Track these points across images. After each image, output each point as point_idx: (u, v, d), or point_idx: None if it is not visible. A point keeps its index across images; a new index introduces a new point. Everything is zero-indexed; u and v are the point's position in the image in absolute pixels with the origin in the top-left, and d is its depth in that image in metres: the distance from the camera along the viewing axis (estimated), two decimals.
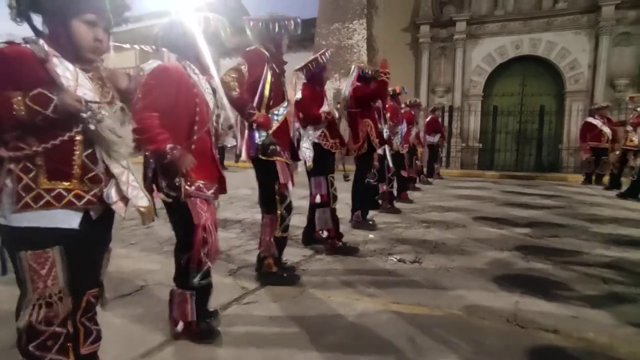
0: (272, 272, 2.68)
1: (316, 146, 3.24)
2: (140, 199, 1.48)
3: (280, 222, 2.63)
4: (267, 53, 2.57)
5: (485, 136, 11.91)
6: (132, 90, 1.50)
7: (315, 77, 3.27)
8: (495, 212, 5.37)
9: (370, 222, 4.38)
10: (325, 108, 3.24)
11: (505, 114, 11.51)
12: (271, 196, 2.62)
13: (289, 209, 2.67)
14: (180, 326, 1.92)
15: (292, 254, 3.15)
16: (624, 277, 2.89)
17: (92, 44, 1.33)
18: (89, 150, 1.33)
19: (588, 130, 8.40)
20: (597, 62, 10.43)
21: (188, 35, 1.86)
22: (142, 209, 1.47)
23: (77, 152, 1.30)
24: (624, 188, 6.95)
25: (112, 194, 1.38)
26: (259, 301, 2.42)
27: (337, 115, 3.22)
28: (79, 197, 1.31)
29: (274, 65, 2.60)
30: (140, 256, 3.26)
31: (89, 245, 1.42)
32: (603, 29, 10.23)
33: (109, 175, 1.38)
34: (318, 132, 3.27)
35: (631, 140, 7.08)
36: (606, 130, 8.13)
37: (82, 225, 1.35)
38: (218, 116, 2.00)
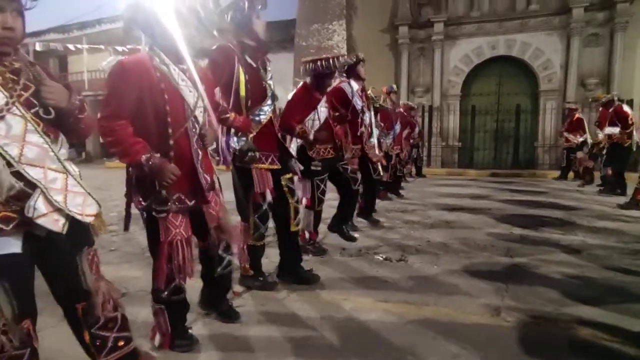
0: (248, 275, 2.62)
1: (301, 150, 3.09)
2: (88, 206, 1.27)
3: (253, 230, 2.49)
4: (235, 47, 2.29)
5: (465, 135, 12.18)
6: (75, 107, 1.26)
7: (318, 80, 3.00)
8: (477, 209, 5.47)
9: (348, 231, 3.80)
10: (313, 116, 3.04)
11: (483, 113, 11.80)
12: (245, 204, 2.46)
13: (263, 217, 2.49)
14: (157, 339, 1.85)
15: (278, 256, 3.11)
16: (602, 269, 2.98)
17: (1, 34, 1.13)
18: (3, 164, 1.11)
19: None
20: (568, 62, 10.82)
21: (158, 18, 1.61)
22: (89, 219, 1.27)
23: None
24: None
25: (39, 205, 1.14)
26: (245, 305, 2.37)
27: (311, 137, 2.94)
28: (7, 221, 1.12)
29: (250, 60, 2.33)
30: (121, 263, 3.16)
31: (52, 260, 1.25)
32: (574, 30, 10.61)
33: (34, 186, 1.15)
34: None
35: (597, 137, 7.58)
36: (564, 132, 8.80)
37: (29, 246, 1.17)
38: (204, 109, 1.79)
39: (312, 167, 3.09)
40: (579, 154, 8.61)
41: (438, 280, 2.75)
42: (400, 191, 6.66)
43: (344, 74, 3.84)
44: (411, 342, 1.93)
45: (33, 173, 1.15)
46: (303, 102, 3.01)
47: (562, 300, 2.41)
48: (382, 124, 5.49)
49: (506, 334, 2.01)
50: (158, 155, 1.61)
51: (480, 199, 6.48)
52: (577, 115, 8.56)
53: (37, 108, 1.19)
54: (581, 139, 8.46)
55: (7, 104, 1.12)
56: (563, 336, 1.99)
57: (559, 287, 2.62)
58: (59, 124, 1.27)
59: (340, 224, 3.63)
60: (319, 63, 2.92)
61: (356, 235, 4.00)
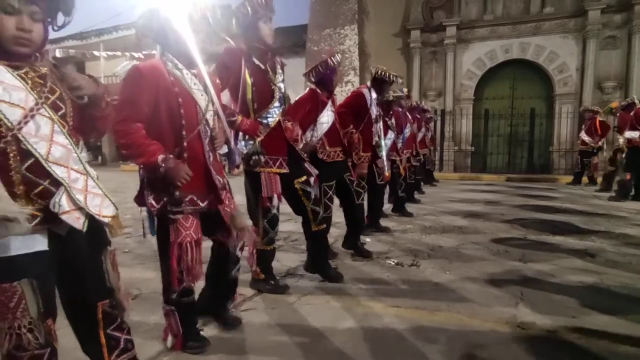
0: (260, 279, 2.62)
1: (312, 153, 3.06)
2: (105, 207, 1.30)
3: (262, 235, 2.49)
4: (243, 48, 2.30)
5: (477, 139, 12.03)
6: (101, 95, 1.32)
7: (324, 81, 3.02)
8: (490, 214, 5.39)
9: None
10: (325, 118, 3.03)
11: (497, 117, 11.65)
12: (255, 208, 2.48)
13: (273, 222, 2.51)
14: (169, 340, 1.87)
15: (289, 260, 3.12)
16: (620, 276, 2.90)
17: (14, 34, 1.14)
18: (30, 161, 1.15)
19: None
20: (584, 65, 10.62)
21: (171, 25, 1.65)
22: (106, 220, 1.30)
23: (15, 166, 1.13)
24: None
25: (63, 202, 1.18)
26: (256, 308, 2.38)
27: (300, 145, 2.78)
28: (30, 218, 1.15)
29: (258, 62, 2.34)
30: (134, 264, 3.20)
31: (74, 258, 1.28)
32: (590, 32, 10.42)
33: (58, 184, 1.20)
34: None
35: (617, 141, 7.42)
36: (582, 135, 8.65)
37: (53, 245, 1.21)
38: (214, 113, 1.83)
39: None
40: (594, 159, 8.48)
41: (450, 286, 2.72)
42: (415, 195, 6.57)
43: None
44: (423, 348, 1.91)
45: (58, 171, 1.20)
46: (307, 103, 3.00)
47: (578, 308, 2.35)
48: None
49: (521, 341, 1.97)
50: (172, 156, 1.65)
51: (494, 203, 6.38)
52: (598, 119, 8.35)
53: (63, 110, 1.25)
54: (599, 144, 8.32)
55: (37, 104, 1.18)
56: (579, 346, 1.94)
57: (576, 294, 2.56)
58: (91, 115, 1.32)
59: (353, 240, 3.57)
60: (318, 67, 2.96)
61: (368, 239, 3.98)
